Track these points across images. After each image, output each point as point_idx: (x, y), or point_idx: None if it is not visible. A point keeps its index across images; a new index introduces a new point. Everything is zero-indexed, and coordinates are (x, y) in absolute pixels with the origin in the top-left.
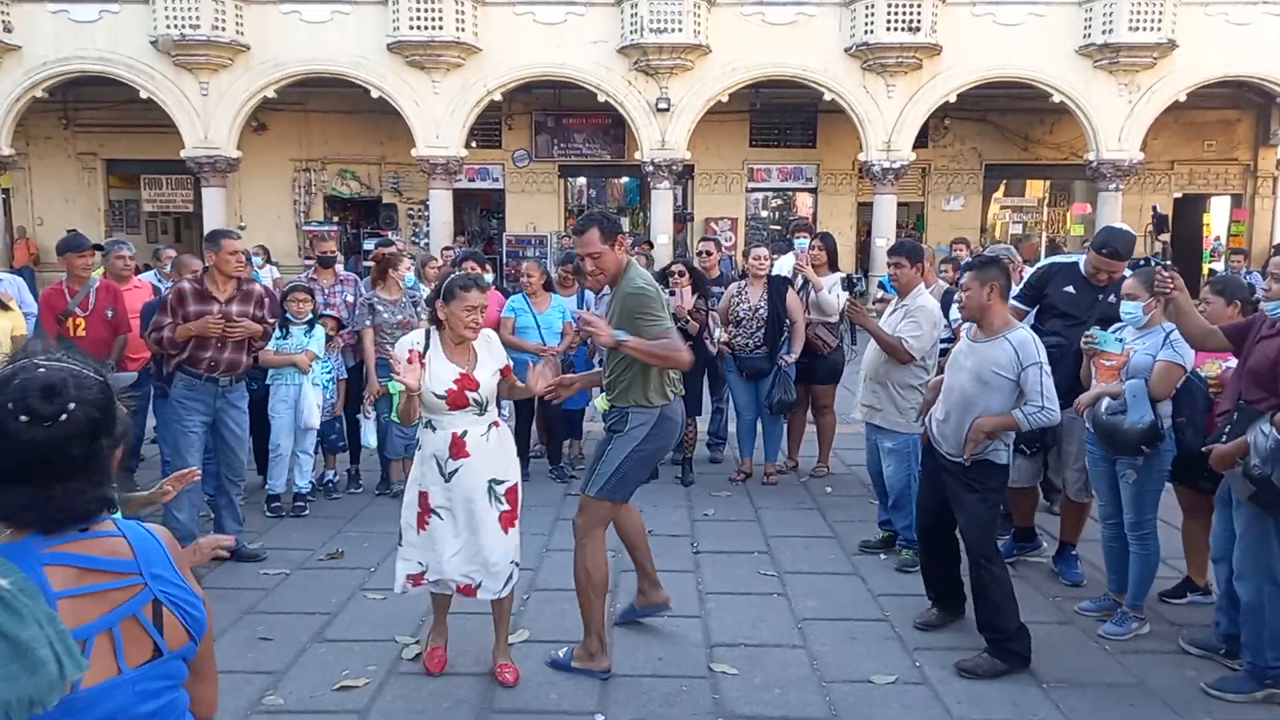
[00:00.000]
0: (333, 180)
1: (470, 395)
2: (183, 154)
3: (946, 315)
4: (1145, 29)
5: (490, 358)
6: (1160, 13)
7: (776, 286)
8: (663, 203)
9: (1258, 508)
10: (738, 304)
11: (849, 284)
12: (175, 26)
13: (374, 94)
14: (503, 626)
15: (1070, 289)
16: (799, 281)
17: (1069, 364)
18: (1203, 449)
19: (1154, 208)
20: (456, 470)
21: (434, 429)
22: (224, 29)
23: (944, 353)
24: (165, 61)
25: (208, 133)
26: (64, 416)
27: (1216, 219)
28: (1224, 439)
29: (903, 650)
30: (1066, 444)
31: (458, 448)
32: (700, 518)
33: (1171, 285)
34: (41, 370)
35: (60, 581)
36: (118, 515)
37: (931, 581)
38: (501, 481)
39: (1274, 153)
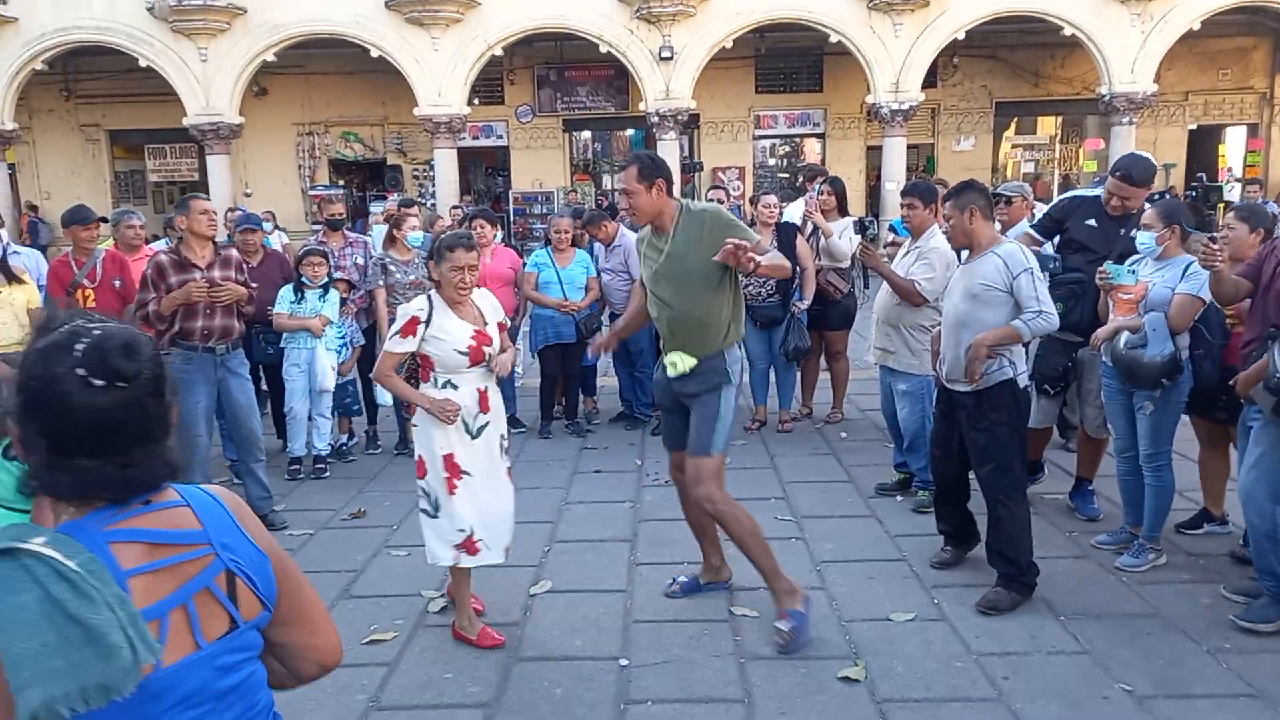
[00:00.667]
0: (336, 143)
1: (486, 350)
2: (185, 122)
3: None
4: None
5: (493, 313)
6: None
7: (786, 234)
8: (669, 153)
9: None
10: None
11: (861, 227)
12: None
13: (374, 53)
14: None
15: (1092, 222)
16: (809, 228)
17: (1090, 299)
18: (1230, 381)
19: (1199, 177)
20: (484, 426)
21: (456, 387)
22: None
23: None
24: (163, 28)
25: (209, 99)
26: (142, 374)
27: (1232, 150)
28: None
29: (921, 588)
30: (1087, 381)
31: (483, 402)
32: None
33: (1220, 258)
34: (108, 328)
35: (130, 559)
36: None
37: (944, 519)
38: (505, 436)
39: None
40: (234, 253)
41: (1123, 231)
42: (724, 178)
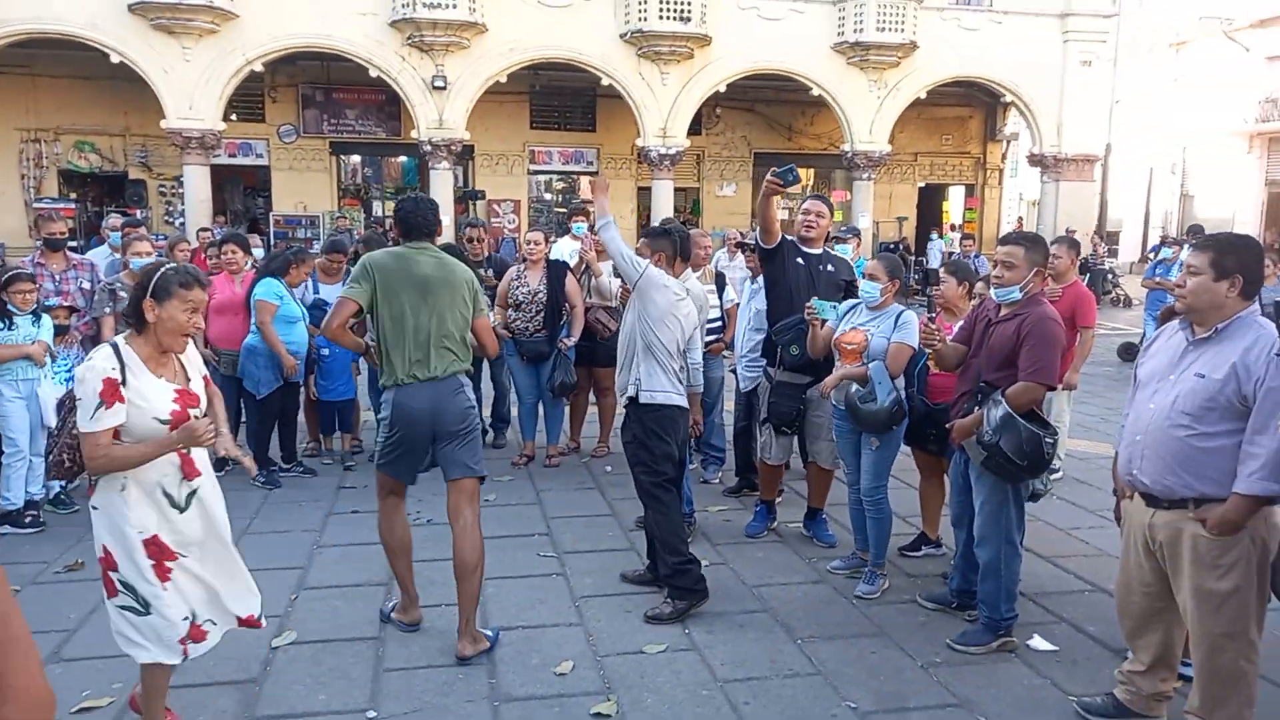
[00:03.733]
0: (68, 153)
1: (193, 413)
2: None
3: (721, 293)
4: (891, 29)
5: (194, 365)
6: (903, 15)
7: (555, 271)
8: (442, 183)
9: (996, 477)
10: (517, 287)
11: None
12: None
13: (114, 59)
14: None
15: (800, 260)
16: (580, 266)
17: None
18: (945, 425)
19: (909, 258)
20: (193, 493)
21: None
22: None
23: (711, 333)
24: None
25: None
26: None
27: (954, 207)
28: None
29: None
30: (815, 416)
31: (189, 467)
32: (482, 504)
33: (938, 338)
34: None
35: None
36: None
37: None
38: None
39: (999, 147)
40: None
41: (821, 267)
42: (499, 210)
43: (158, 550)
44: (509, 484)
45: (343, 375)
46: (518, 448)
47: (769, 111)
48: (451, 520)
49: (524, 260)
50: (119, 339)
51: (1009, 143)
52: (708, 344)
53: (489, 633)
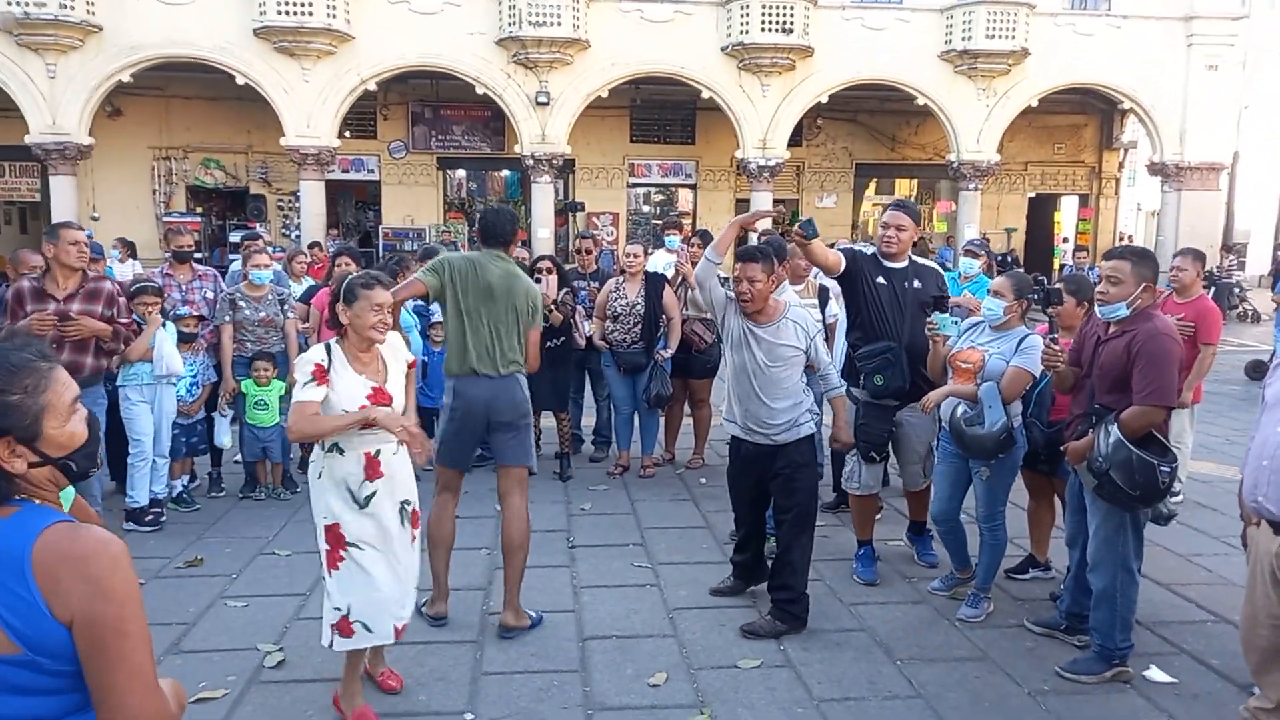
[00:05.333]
0: (195, 169)
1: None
2: (28, 140)
3: (824, 307)
4: (1001, 37)
5: (396, 362)
6: (1014, 22)
7: (653, 283)
8: (543, 196)
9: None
10: (615, 299)
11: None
12: (18, 4)
13: (239, 80)
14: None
15: (882, 280)
16: (677, 279)
17: (901, 364)
18: (1061, 447)
19: (1041, 280)
20: (373, 494)
21: (341, 451)
22: (73, 7)
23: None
24: (7, 41)
25: (56, 118)
26: None
27: (1066, 218)
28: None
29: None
30: (906, 443)
31: (372, 469)
32: (577, 512)
33: (1060, 359)
34: None
35: None
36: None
37: (740, 551)
38: (410, 502)
39: (1116, 156)
40: (106, 284)
41: (907, 285)
42: (597, 222)
43: (334, 538)
44: (604, 493)
45: (440, 383)
46: (614, 459)
47: (872, 122)
48: (501, 503)
49: (622, 273)
50: (333, 341)
51: (1126, 151)
52: None
53: (533, 614)
